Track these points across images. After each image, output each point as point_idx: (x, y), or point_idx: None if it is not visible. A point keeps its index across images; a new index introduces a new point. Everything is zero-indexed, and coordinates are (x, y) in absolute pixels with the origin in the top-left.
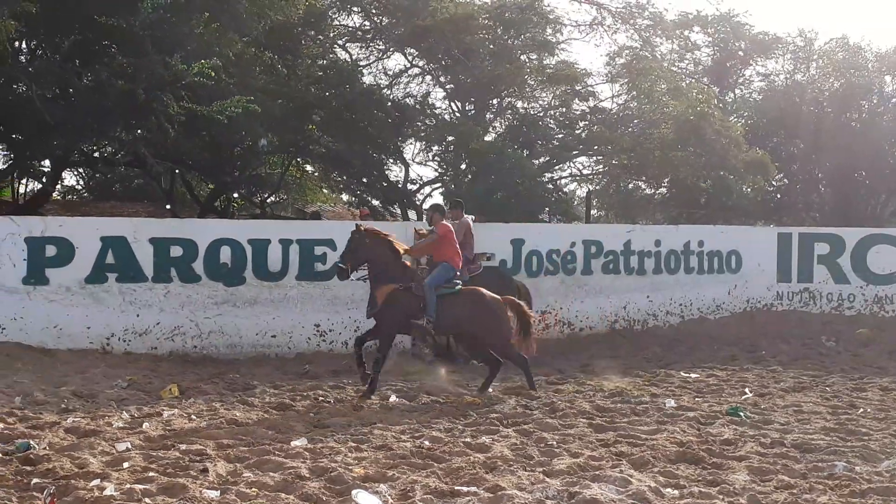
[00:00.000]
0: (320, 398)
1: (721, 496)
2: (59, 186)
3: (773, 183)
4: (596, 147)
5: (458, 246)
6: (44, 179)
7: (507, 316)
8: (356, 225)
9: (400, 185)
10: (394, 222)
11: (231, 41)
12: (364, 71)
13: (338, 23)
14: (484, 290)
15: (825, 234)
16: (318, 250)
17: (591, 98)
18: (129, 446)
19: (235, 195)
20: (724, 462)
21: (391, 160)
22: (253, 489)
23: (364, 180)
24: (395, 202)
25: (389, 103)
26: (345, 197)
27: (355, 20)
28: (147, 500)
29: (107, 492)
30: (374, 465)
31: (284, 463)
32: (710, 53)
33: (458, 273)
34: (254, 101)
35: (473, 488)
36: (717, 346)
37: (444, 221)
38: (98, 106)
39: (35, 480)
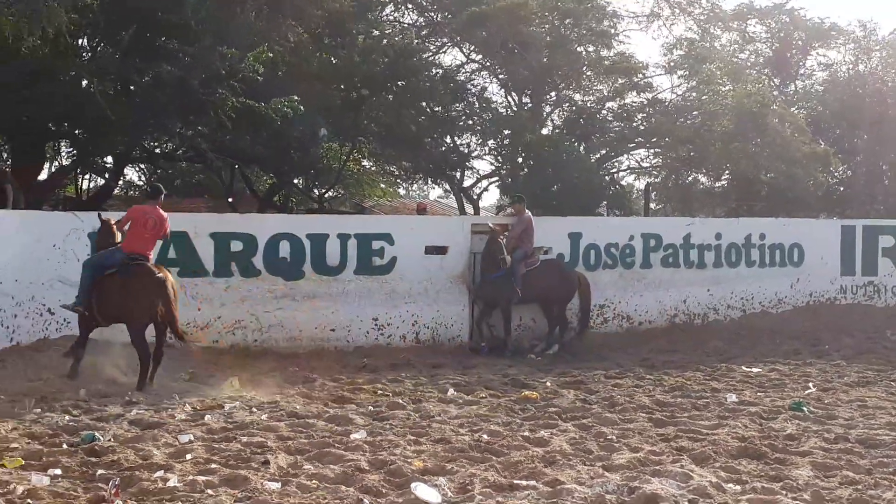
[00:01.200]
0: (379, 391)
1: (784, 492)
2: (121, 182)
3: (836, 175)
4: (654, 139)
5: None
6: (106, 175)
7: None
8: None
9: (457, 180)
10: (451, 217)
11: (290, 28)
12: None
13: (392, 19)
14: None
15: (890, 226)
16: (376, 245)
17: (648, 90)
18: (192, 438)
19: (293, 188)
20: (786, 457)
21: (445, 140)
22: (313, 481)
23: (418, 175)
24: (450, 192)
25: (446, 88)
26: (402, 191)
27: (410, 16)
28: (209, 491)
29: (170, 483)
30: (433, 458)
31: (344, 455)
32: (769, 44)
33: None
34: (308, 92)
35: (532, 482)
36: (779, 341)
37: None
38: (157, 102)
39: (100, 471)
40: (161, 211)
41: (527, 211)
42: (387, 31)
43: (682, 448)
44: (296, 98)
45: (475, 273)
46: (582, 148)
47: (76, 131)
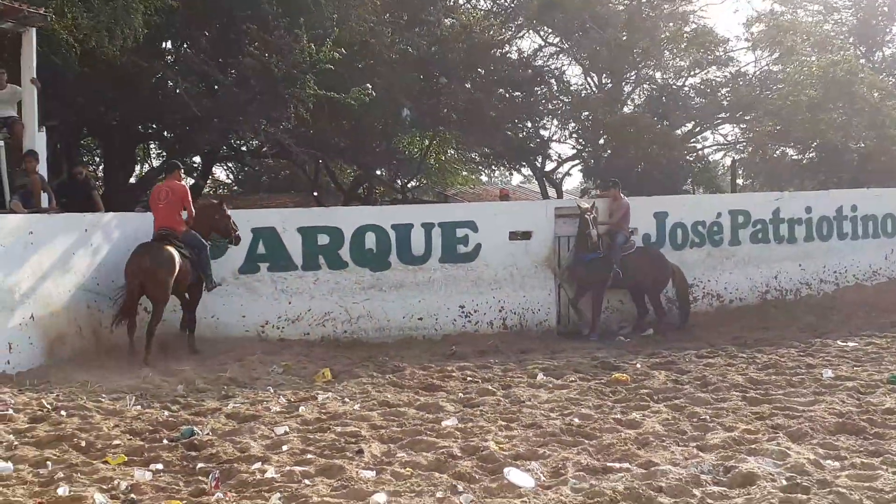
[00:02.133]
0: (468, 378)
1: (884, 466)
2: (209, 181)
3: None
4: (739, 113)
5: None
6: (195, 175)
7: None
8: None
9: (539, 164)
10: (535, 201)
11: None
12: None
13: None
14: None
15: None
16: (460, 232)
17: (731, 63)
18: (287, 430)
19: (377, 179)
20: (886, 432)
21: (528, 135)
22: (407, 469)
23: (500, 161)
24: (533, 177)
25: (524, 74)
26: (483, 178)
27: (486, 3)
28: (306, 481)
29: (268, 474)
30: (525, 443)
31: (436, 442)
32: (853, 12)
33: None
34: (387, 77)
35: (626, 464)
36: (874, 314)
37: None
38: (241, 98)
39: (200, 465)
40: (174, 182)
41: (623, 196)
42: (463, 17)
43: (777, 426)
44: (369, 87)
45: (560, 256)
46: (665, 125)
47: (164, 132)
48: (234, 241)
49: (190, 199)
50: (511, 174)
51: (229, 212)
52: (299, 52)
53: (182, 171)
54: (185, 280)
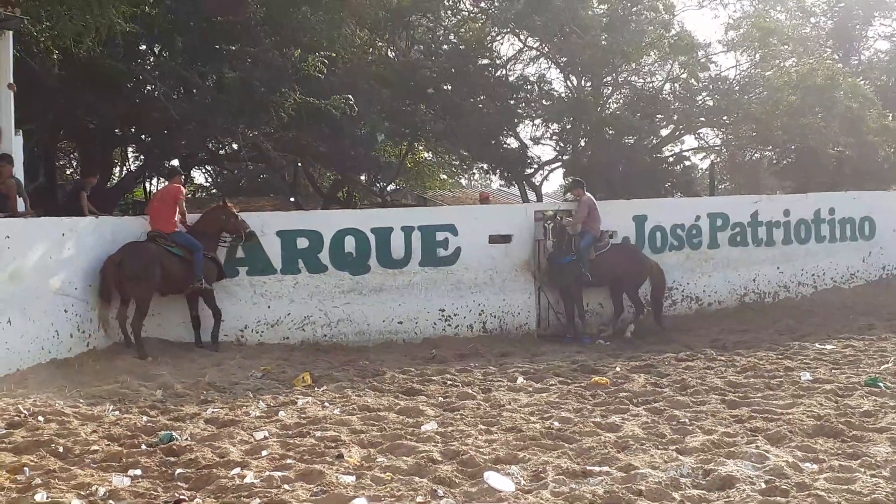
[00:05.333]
0: (448, 382)
1: (862, 469)
2: (188, 184)
3: None
4: (719, 117)
5: None
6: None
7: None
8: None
9: (519, 167)
10: (515, 205)
11: (348, 29)
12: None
13: (450, 3)
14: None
15: None
16: (440, 236)
17: (711, 66)
18: (267, 435)
19: (356, 184)
20: (864, 434)
21: (508, 140)
22: (387, 473)
23: (480, 165)
24: (513, 182)
25: (504, 82)
26: (463, 181)
27: (466, 5)
28: (286, 486)
29: (247, 479)
30: (505, 447)
31: (416, 447)
32: (830, 17)
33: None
34: (368, 90)
35: (605, 468)
36: (852, 316)
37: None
38: (220, 103)
39: (179, 471)
40: (169, 185)
41: (586, 193)
42: (444, 24)
43: (756, 429)
44: (350, 98)
45: (540, 260)
46: (644, 128)
47: (142, 136)
48: (247, 238)
49: (180, 199)
50: (490, 178)
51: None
52: (283, 61)
53: (182, 176)
54: (177, 280)
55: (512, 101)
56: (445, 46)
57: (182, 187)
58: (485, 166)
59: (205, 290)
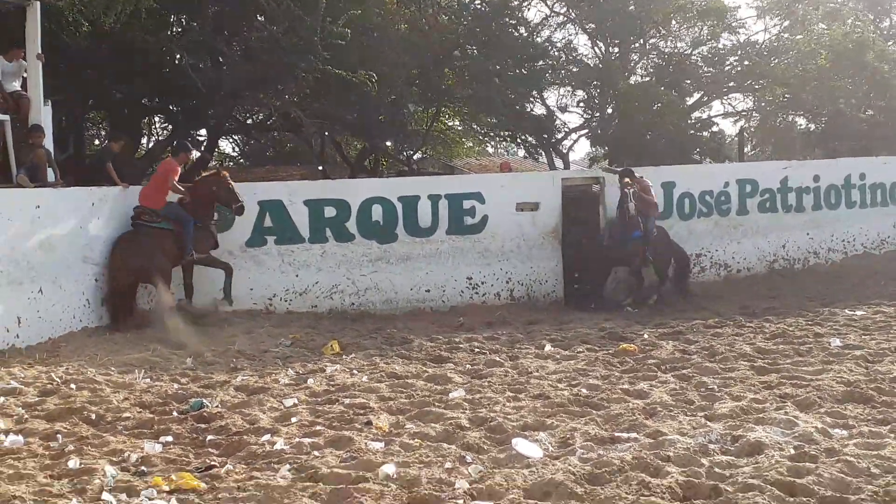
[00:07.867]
0: (476, 349)
1: (892, 435)
2: (216, 154)
3: None
4: (748, 82)
5: None
6: (202, 148)
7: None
8: None
9: (546, 134)
10: (542, 172)
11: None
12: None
13: None
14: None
15: None
16: (467, 204)
17: (740, 31)
18: (296, 402)
19: (383, 152)
20: (894, 400)
21: (535, 107)
22: (416, 440)
23: (506, 132)
24: (539, 151)
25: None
26: (490, 149)
27: None
28: (315, 452)
29: (277, 446)
30: (533, 413)
31: (445, 414)
32: None
33: None
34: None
35: (633, 434)
36: (883, 282)
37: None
38: (247, 72)
39: (209, 437)
40: (168, 161)
41: (637, 175)
42: None
43: (785, 395)
44: (374, 76)
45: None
46: (673, 94)
47: (170, 106)
48: (236, 212)
49: (170, 174)
50: (517, 146)
51: (235, 184)
52: (310, 24)
53: (190, 153)
54: (173, 255)
55: (539, 66)
56: (472, 8)
57: (179, 166)
58: (511, 133)
59: (205, 259)
